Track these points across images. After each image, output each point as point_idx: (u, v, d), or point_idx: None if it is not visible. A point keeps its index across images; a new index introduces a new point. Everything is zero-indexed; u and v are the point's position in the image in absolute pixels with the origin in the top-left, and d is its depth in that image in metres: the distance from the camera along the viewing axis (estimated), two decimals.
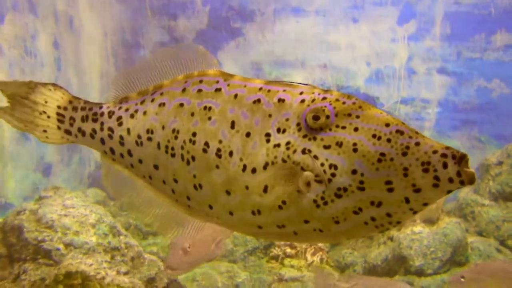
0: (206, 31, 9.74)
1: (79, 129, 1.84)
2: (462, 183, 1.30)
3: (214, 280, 5.41)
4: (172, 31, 9.74)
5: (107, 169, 1.87)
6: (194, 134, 1.62)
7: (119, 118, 1.80)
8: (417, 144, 1.34)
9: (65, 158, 8.04)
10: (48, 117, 1.82)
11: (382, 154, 1.35)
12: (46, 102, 1.82)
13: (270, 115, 1.52)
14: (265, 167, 1.49)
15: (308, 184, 1.43)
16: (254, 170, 1.51)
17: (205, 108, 1.63)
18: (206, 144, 1.60)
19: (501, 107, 9.46)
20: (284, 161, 1.47)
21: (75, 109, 1.84)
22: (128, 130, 1.78)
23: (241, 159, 1.53)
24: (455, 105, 9.62)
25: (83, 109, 1.85)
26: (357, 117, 1.41)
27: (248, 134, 1.53)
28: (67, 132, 1.86)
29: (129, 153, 1.78)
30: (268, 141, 1.50)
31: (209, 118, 1.61)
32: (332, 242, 1.49)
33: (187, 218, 1.76)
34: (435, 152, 1.32)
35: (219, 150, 1.57)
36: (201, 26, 9.70)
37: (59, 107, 1.84)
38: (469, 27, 9.29)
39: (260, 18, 9.68)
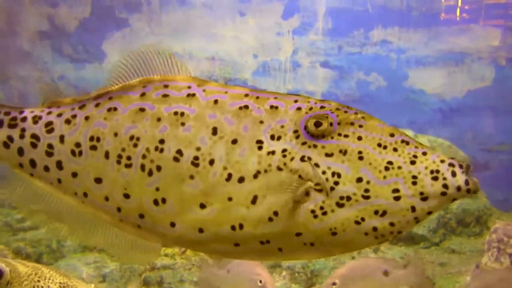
0: (89, 20, 9.40)
1: None
2: (469, 192, 1.34)
3: (79, 271, 5.20)
4: (53, 19, 9.30)
5: (17, 184, 1.56)
6: (161, 141, 1.43)
7: (49, 124, 1.53)
8: (424, 153, 1.36)
9: None
10: None
11: (390, 162, 1.34)
12: None
13: (261, 122, 1.42)
14: (255, 175, 1.38)
15: (307, 193, 1.36)
16: (241, 179, 1.39)
17: (175, 113, 1.45)
18: (179, 152, 1.42)
19: (379, 99, 10.02)
20: (279, 169, 1.38)
21: None
22: (62, 138, 1.51)
23: (225, 168, 1.40)
24: (337, 97, 10.02)
25: None
26: (360, 126, 1.39)
27: (234, 141, 1.41)
28: None
29: (59, 166, 1.51)
30: (260, 148, 1.40)
31: (182, 124, 1.44)
32: (321, 257, 1.43)
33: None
34: (442, 161, 1.34)
35: (196, 158, 1.41)
36: (84, 15, 9.35)
37: None
38: (349, 23, 9.76)
39: (146, 8, 9.51)
